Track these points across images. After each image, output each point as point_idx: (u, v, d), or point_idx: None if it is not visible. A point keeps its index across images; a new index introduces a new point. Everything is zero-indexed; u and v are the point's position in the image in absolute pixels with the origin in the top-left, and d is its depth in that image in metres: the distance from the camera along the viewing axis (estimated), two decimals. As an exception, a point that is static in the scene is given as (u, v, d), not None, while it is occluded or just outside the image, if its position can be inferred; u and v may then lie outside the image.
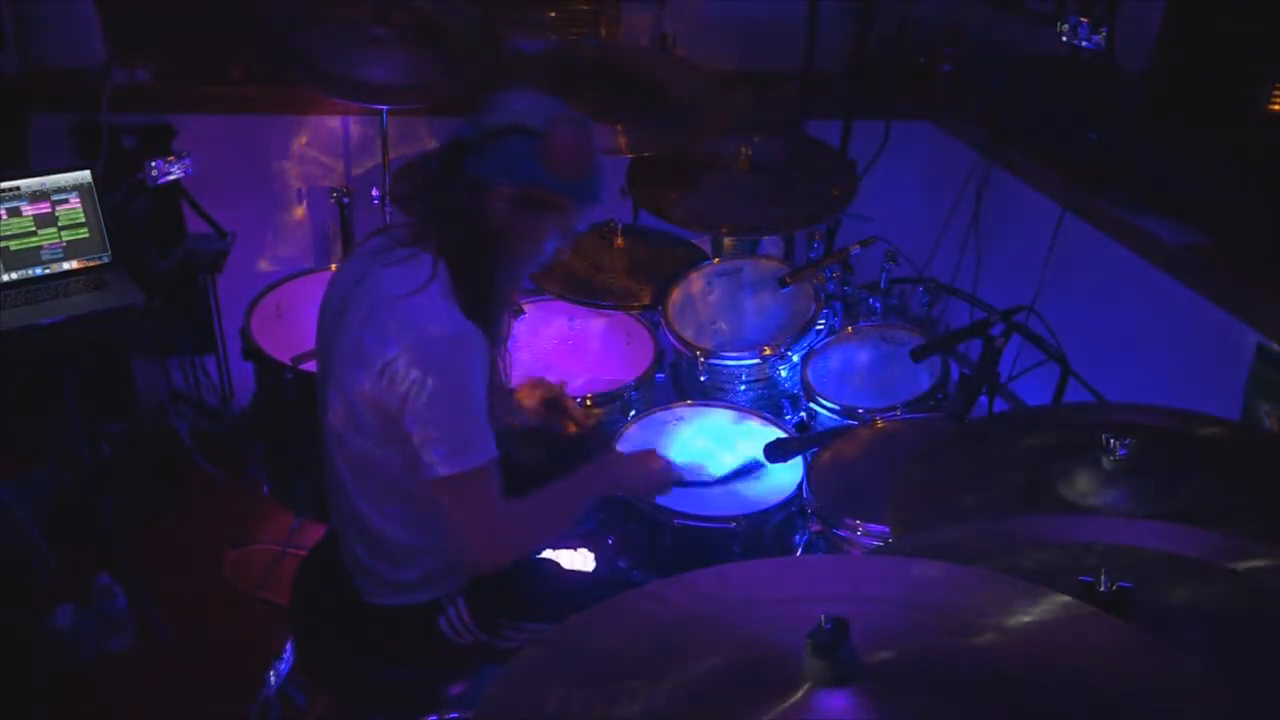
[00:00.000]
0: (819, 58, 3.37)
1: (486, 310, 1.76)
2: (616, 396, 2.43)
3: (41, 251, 2.69)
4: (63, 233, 2.71)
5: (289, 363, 2.53)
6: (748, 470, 2.24)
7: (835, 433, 2.26)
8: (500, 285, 1.81)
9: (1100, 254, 2.67)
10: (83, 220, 2.73)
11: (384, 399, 1.68)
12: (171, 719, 2.51)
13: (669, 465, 2.08)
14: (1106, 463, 1.42)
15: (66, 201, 2.71)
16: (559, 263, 2.67)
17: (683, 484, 2.12)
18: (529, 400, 2.23)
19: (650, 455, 2.09)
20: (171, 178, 2.89)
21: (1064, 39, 2.74)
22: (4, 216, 2.64)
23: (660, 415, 2.39)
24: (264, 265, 3.45)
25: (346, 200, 3.12)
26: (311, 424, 1.92)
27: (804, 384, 2.45)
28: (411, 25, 2.93)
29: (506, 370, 1.95)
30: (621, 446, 2.28)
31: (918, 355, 2.23)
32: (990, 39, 3.36)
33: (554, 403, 2.25)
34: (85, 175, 2.73)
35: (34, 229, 2.68)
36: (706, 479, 2.21)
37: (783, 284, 2.57)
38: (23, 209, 2.66)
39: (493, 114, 1.74)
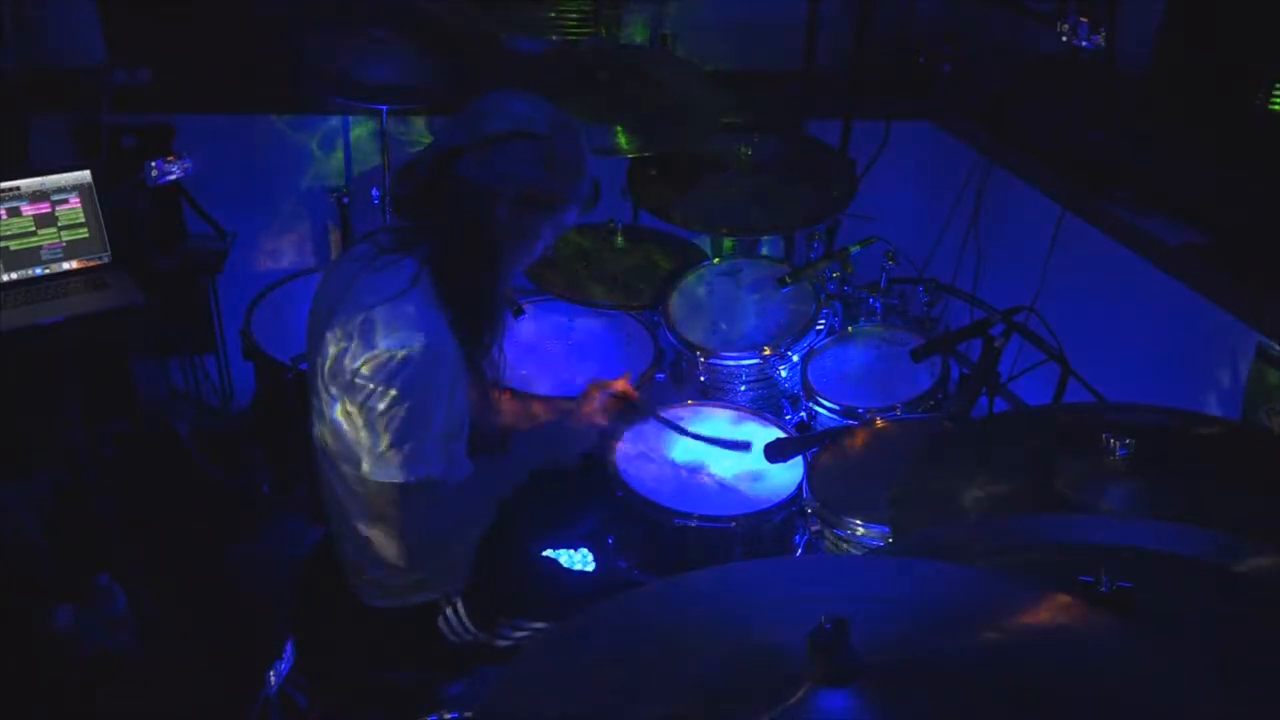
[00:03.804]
0: (819, 58, 3.37)
1: (481, 312, 1.77)
2: (616, 396, 2.43)
3: (41, 251, 2.69)
4: (63, 233, 2.71)
5: (289, 363, 2.53)
6: (734, 446, 2.24)
7: (835, 433, 2.26)
8: (495, 287, 1.81)
9: (1100, 254, 2.67)
10: (83, 220, 2.73)
11: (355, 405, 1.69)
12: (171, 719, 2.50)
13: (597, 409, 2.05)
14: (1106, 463, 1.42)
15: (66, 201, 2.71)
16: (558, 262, 2.70)
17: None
18: (598, 404, 2.10)
19: (572, 418, 2.05)
20: (171, 178, 2.89)
21: (1064, 39, 2.74)
22: (4, 216, 2.64)
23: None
24: (264, 265, 3.45)
25: (346, 200, 3.12)
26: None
27: (804, 384, 2.45)
28: (411, 25, 2.93)
29: (500, 371, 1.95)
30: (621, 447, 2.28)
31: (918, 355, 2.23)
32: (990, 39, 3.36)
33: (621, 396, 2.13)
34: (85, 175, 2.73)
35: (34, 229, 2.68)
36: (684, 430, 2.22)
37: (783, 284, 2.57)
38: (23, 209, 2.66)
39: (488, 118, 1.73)
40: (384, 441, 1.66)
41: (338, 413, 1.73)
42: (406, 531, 1.72)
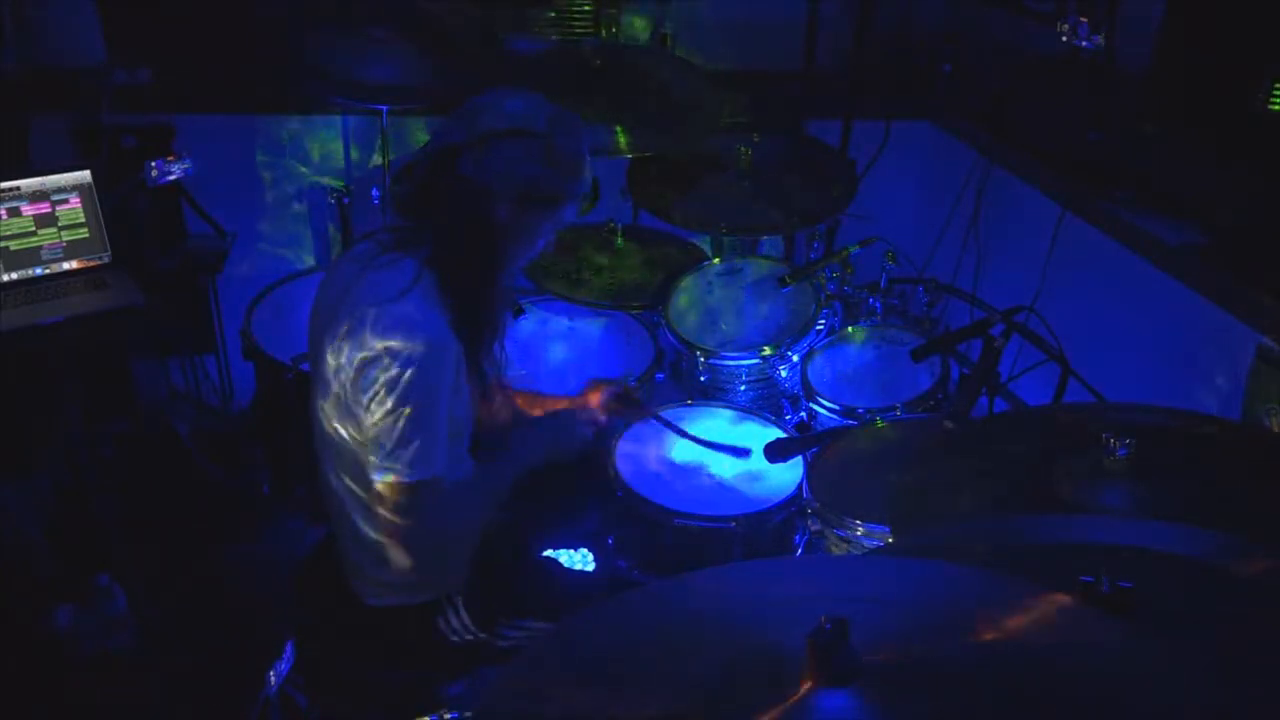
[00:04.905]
0: (819, 58, 3.37)
1: (482, 310, 1.77)
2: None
3: (41, 251, 2.69)
4: (63, 233, 2.71)
5: (289, 363, 2.53)
6: (733, 452, 2.25)
7: (835, 433, 2.26)
8: (496, 285, 1.81)
9: (1100, 254, 2.67)
10: (83, 220, 2.73)
11: (357, 405, 1.69)
12: (171, 719, 2.50)
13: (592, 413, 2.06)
14: (1106, 463, 1.42)
15: (66, 201, 2.71)
16: (559, 262, 2.70)
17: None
18: (596, 401, 2.14)
19: (569, 412, 2.06)
20: (171, 178, 2.88)
21: (1064, 39, 2.74)
22: (4, 216, 2.64)
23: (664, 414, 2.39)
24: (264, 265, 3.45)
25: (346, 200, 3.12)
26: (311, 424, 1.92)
27: (804, 384, 2.45)
28: (411, 25, 2.93)
29: (501, 369, 1.95)
30: (621, 448, 2.28)
31: (918, 355, 2.24)
32: (990, 39, 3.36)
33: (624, 396, 2.18)
34: (85, 175, 2.73)
35: (34, 229, 2.68)
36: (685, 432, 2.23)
37: (783, 284, 2.57)
38: (23, 209, 2.66)
39: (485, 116, 1.73)
40: (389, 442, 1.66)
41: (342, 411, 1.73)
42: (409, 532, 1.73)
